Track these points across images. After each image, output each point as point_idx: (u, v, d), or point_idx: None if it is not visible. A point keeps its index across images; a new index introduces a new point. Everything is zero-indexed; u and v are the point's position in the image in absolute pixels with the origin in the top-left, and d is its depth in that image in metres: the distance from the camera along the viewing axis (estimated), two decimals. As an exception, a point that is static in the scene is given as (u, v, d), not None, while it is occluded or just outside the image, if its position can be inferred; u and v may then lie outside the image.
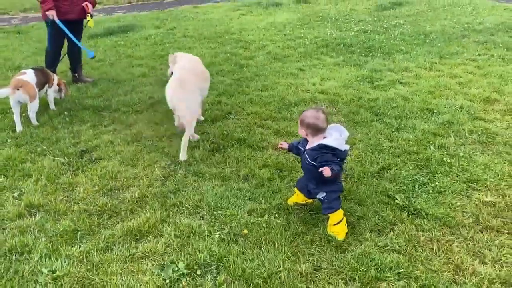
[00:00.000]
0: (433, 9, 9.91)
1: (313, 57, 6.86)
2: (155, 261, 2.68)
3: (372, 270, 2.54)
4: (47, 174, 3.69)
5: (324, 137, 2.79)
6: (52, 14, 5.29)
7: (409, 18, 9.25)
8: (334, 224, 2.83)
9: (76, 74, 6.07)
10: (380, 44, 7.38)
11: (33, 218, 3.12)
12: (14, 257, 2.72)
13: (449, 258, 2.65)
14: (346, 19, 9.43)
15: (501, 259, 2.62)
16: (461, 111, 4.64)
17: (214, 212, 3.12)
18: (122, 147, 4.14)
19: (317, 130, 2.79)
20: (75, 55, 5.97)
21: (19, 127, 4.54)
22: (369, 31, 8.30)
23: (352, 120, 4.57)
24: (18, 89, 4.43)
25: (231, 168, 3.71)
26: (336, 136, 2.76)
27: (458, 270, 2.56)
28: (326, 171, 2.64)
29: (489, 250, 2.69)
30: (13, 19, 11.03)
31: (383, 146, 3.98)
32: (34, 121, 4.65)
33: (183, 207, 3.21)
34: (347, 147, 2.80)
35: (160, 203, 3.25)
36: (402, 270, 2.54)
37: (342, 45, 7.44)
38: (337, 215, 2.83)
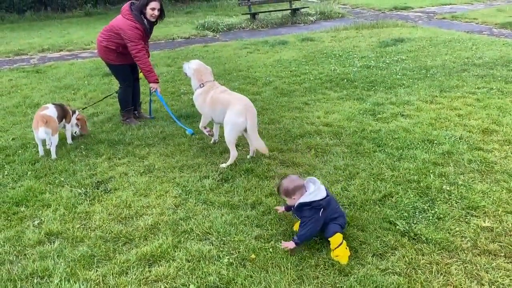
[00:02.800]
0: (434, 45, 10.25)
1: (317, 92, 7.14)
2: (167, 284, 2.84)
3: (374, 291, 2.67)
4: (65, 204, 3.91)
5: (305, 190, 3.09)
6: (156, 88, 5.72)
7: (411, 53, 9.57)
8: (335, 248, 2.99)
9: (136, 112, 6.35)
10: (382, 79, 7.65)
11: (52, 245, 3.31)
12: (35, 280, 2.90)
13: (448, 280, 2.77)
14: (349, 55, 9.79)
15: (497, 281, 2.73)
16: (460, 141, 4.81)
17: (223, 238, 3.28)
18: (135, 178, 4.36)
19: (300, 188, 3.10)
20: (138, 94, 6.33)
21: (41, 153, 4.92)
22: (371, 67, 8.61)
23: (355, 150, 4.76)
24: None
25: (239, 197, 3.89)
26: (311, 189, 3.06)
27: (456, 291, 2.68)
28: (283, 246, 3.07)
29: (486, 273, 2.81)
30: (32, 59, 11.58)
31: (385, 175, 4.14)
32: (54, 154, 4.89)
33: (193, 233, 3.38)
34: (324, 194, 3.04)
35: (172, 230, 3.43)
36: (402, 291, 2.67)
37: (345, 80, 7.73)
38: (336, 238, 2.99)
